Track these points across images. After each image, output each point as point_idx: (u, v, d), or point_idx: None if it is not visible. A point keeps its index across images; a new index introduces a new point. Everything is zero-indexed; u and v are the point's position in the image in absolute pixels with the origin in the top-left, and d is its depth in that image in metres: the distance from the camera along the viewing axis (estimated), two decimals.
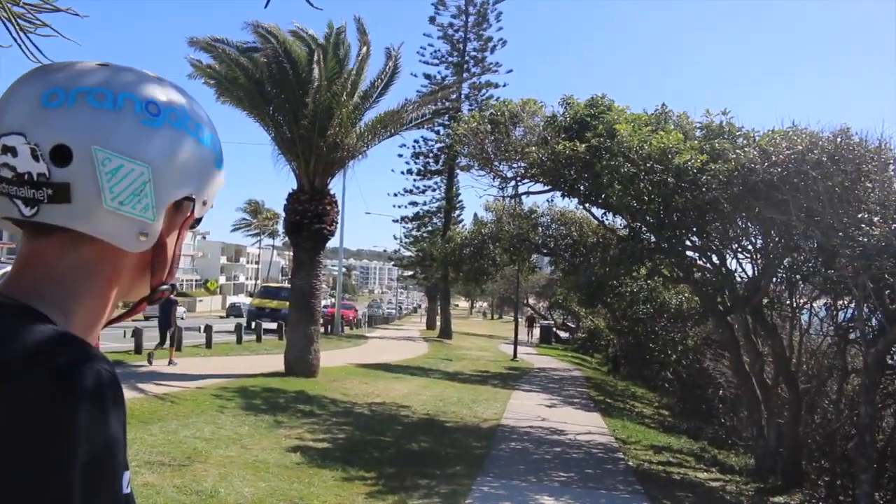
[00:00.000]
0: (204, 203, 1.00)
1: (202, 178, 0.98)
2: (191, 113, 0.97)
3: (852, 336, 10.87)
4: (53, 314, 0.87)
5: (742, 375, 12.09)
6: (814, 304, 12.51)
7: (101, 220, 0.89)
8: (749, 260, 12.11)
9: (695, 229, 12.08)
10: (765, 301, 11.87)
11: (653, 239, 12.93)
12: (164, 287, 1.01)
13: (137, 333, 17.15)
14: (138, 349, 16.71)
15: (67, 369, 0.80)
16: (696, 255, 13.01)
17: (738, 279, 12.31)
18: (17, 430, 0.76)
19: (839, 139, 8.99)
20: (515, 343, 32.61)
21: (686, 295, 20.01)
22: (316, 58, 15.53)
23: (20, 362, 0.79)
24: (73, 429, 0.77)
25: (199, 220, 1.02)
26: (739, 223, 11.40)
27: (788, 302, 12.24)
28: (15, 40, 2.45)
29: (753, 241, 11.77)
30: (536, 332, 48.73)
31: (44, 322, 0.85)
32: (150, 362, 15.12)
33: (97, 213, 0.88)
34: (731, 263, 12.45)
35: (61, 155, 0.86)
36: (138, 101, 0.91)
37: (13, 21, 2.41)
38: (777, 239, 10.94)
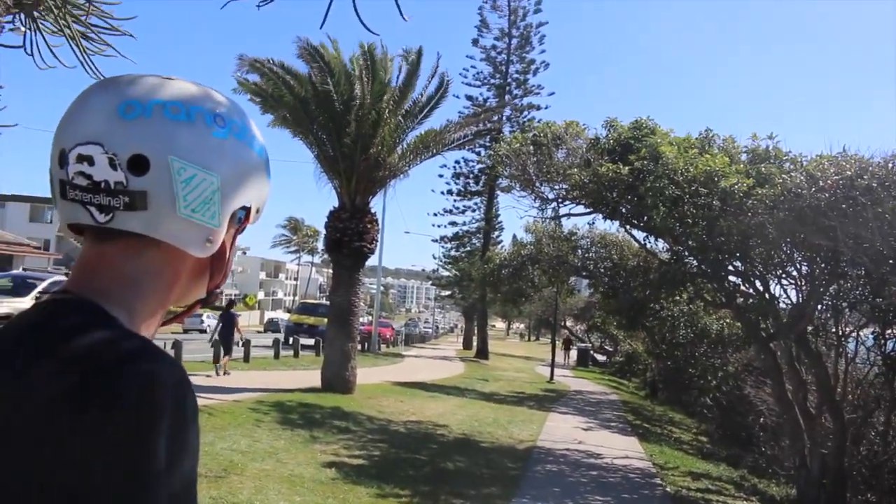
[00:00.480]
0: (257, 211, 1.05)
1: (258, 188, 1.03)
2: (249, 126, 1.01)
3: None
4: (120, 316, 0.90)
5: (784, 403, 11.84)
6: (860, 333, 12.23)
7: (174, 227, 0.93)
8: (793, 286, 11.88)
9: (738, 254, 11.90)
10: (809, 328, 11.63)
11: (695, 263, 12.78)
12: (219, 290, 1.05)
13: (177, 345, 17.37)
14: None
15: (155, 376, 0.82)
16: (739, 280, 12.81)
17: (783, 305, 12.09)
18: (102, 435, 0.77)
19: (890, 164, 8.83)
20: (552, 365, 32.36)
21: (727, 320, 19.71)
22: (361, 77, 15.71)
23: (106, 365, 0.81)
24: (162, 435, 0.79)
25: (244, 228, 1.06)
26: (784, 249, 11.20)
27: (834, 330, 11.98)
28: (79, 59, 2.52)
29: (798, 267, 11.54)
30: (573, 354, 48.33)
31: (115, 324, 0.88)
32: (225, 373, 16.69)
33: (171, 220, 0.92)
34: (775, 289, 12.24)
35: (139, 164, 0.90)
36: (208, 113, 0.95)
37: (77, 40, 2.48)
38: (823, 265, 10.72)
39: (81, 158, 0.89)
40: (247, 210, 1.02)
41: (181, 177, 0.91)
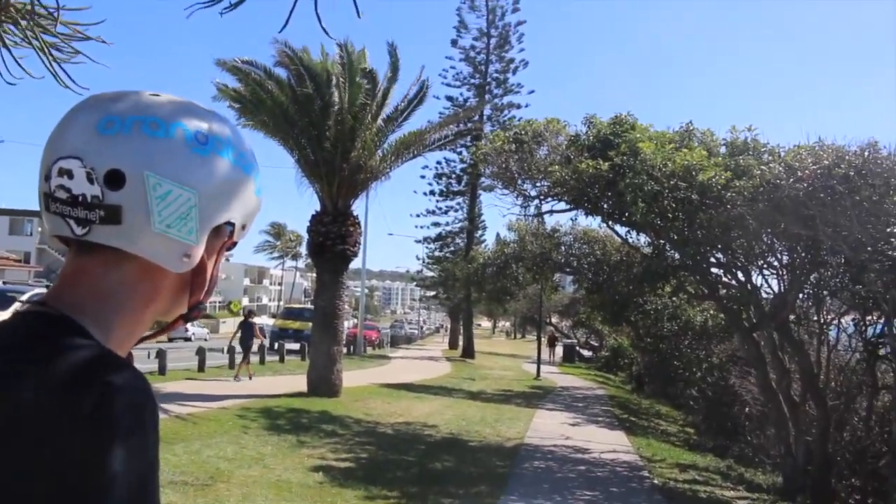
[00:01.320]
0: (243, 228, 1.05)
1: (242, 205, 1.03)
2: (235, 143, 1.02)
3: (882, 352, 10.72)
4: (94, 329, 0.91)
5: (769, 392, 11.93)
6: (842, 320, 12.34)
7: (149, 242, 0.94)
8: (775, 276, 11.98)
9: (719, 246, 11.98)
10: (791, 317, 11.73)
11: (677, 256, 12.85)
12: (201, 307, 1.05)
13: (161, 355, 17.28)
14: (162, 370, 16.92)
15: (112, 387, 0.83)
16: (721, 271, 12.90)
17: (765, 295, 12.19)
18: (61, 446, 0.79)
19: (867, 153, 8.91)
20: (538, 362, 32.42)
21: (711, 312, 19.84)
22: (340, 81, 15.66)
23: (65, 377, 0.82)
24: (117, 446, 0.80)
25: (235, 244, 1.06)
26: (765, 239, 11.28)
27: (815, 318, 12.08)
28: (48, 69, 2.49)
29: (779, 256, 11.64)
30: (558, 351, 48.42)
31: (85, 337, 0.89)
32: (249, 378, 17.62)
33: (145, 235, 0.93)
34: (757, 279, 12.34)
35: (115, 179, 0.91)
36: (188, 130, 0.96)
37: (46, 51, 2.45)
38: (803, 254, 10.82)
39: (62, 172, 0.91)
40: (232, 226, 1.02)
41: (156, 192, 0.92)
